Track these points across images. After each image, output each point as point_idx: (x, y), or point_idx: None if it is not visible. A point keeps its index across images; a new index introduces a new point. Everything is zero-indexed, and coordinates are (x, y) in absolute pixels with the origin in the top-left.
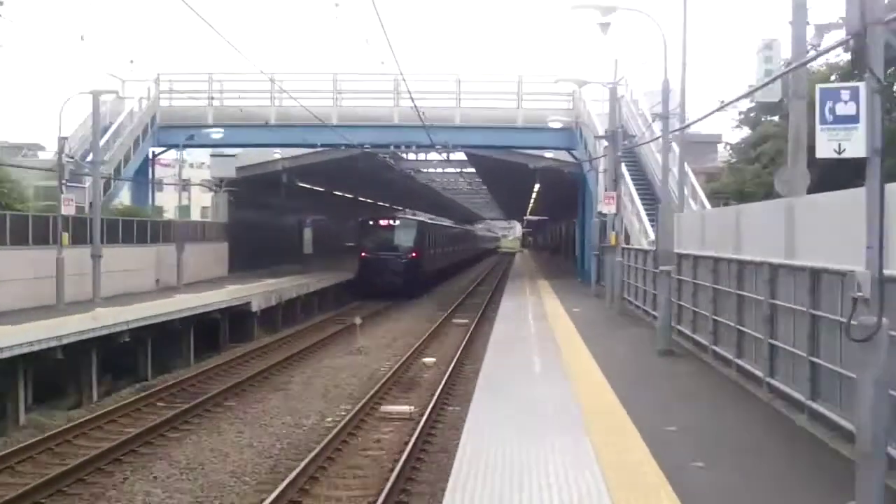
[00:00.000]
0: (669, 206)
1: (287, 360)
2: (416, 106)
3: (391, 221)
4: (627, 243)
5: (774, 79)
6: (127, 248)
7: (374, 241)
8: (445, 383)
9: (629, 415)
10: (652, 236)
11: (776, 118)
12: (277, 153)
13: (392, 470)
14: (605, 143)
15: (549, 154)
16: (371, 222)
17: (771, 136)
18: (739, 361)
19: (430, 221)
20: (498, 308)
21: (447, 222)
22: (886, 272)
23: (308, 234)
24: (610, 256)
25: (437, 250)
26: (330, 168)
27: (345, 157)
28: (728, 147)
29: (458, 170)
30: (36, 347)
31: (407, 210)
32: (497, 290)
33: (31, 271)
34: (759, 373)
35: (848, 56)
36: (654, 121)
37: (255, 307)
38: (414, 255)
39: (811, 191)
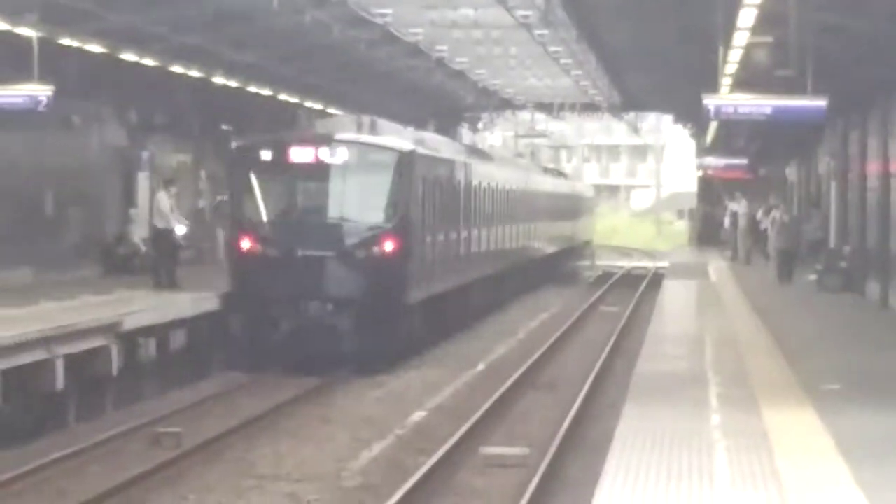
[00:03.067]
0: None
1: None
2: None
3: (326, 150)
4: None
5: None
6: None
7: (277, 209)
8: None
9: None
10: None
11: None
12: None
13: None
14: None
15: None
16: (265, 154)
17: None
18: None
19: (435, 153)
20: None
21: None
22: None
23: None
24: None
25: (449, 237)
26: None
27: None
28: None
29: None
30: None
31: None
32: None
33: None
34: None
35: None
36: None
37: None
38: (390, 247)
39: None
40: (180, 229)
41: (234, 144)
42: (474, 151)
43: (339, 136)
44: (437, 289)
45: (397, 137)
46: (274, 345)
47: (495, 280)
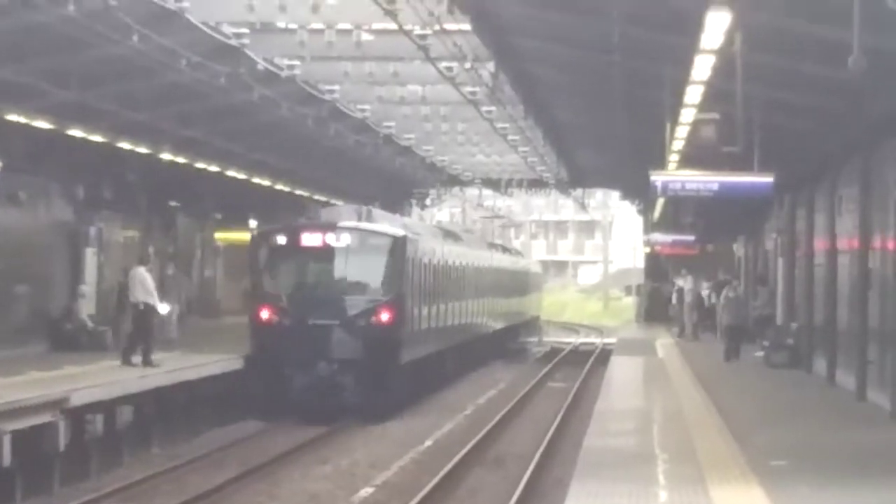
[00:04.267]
0: None
1: None
2: None
3: (332, 235)
4: None
5: None
6: None
7: (291, 285)
8: None
9: None
10: None
11: None
12: None
13: None
14: None
15: None
16: (281, 239)
17: None
18: None
19: (419, 236)
20: None
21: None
22: None
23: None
24: None
25: (438, 308)
26: None
27: None
28: None
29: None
30: None
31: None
32: None
33: None
34: None
35: None
36: None
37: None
38: (386, 315)
39: None
40: (163, 308)
41: (254, 231)
42: (448, 234)
43: (342, 223)
44: (421, 353)
45: (389, 224)
46: (288, 399)
47: (462, 349)
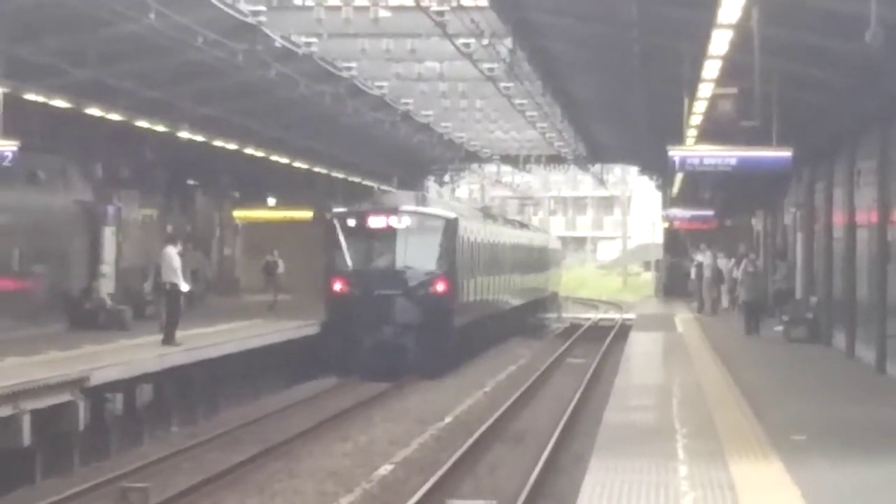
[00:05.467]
0: None
1: None
2: None
3: (395, 218)
4: None
5: None
6: None
7: (359, 259)
8: None
9: None
10: None
11: None
12: None
13: None
14: None
15: None
16: (351, 221)
17: None
18: None
19: (465, 217)
20: None
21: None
22: None
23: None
24: None
25: (480, 280)
26: None
27: None
28: None
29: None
30: None
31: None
32: None
33: None
34: None
35: None
36: None
37: None
38: (441, 286)
39: None
40: (185, 287)
41: (328, 215)
42: (487, 214)
43: (402, 207)
44: (468, 320)
45: (442, 207)
46: (358, 358)
47: (495, 320)
